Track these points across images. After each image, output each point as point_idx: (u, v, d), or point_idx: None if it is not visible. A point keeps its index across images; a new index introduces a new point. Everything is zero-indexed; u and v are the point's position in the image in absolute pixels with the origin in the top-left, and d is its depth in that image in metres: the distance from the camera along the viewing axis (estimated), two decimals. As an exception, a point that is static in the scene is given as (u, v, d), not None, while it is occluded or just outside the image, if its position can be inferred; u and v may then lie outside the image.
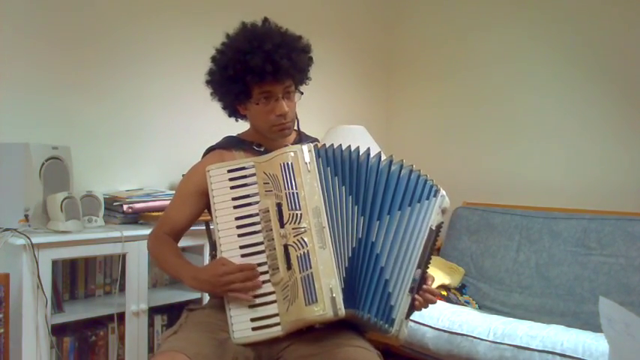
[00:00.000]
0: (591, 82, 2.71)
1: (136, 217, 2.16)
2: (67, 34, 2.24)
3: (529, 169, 2.93)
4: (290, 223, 1.23)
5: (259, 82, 1.34)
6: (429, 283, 1.34)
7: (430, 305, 1.33)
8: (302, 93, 1.46)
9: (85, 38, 2.29)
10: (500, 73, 3.05)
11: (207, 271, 1.29)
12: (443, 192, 1.35)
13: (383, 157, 1.34)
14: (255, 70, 1.32)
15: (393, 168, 1.32)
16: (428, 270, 1.33)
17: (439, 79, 3.35)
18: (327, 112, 3.19)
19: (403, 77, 3.57)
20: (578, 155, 2.75)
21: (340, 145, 1.32)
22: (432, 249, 1.32)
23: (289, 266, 1.21)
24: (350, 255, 1.24)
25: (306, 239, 1.21)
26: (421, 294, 1.30)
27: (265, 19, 1.42)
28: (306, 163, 1.27)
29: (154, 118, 2.50)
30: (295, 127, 1.50)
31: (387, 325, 1.24)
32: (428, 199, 1.31)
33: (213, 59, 1.42)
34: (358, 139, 2.79)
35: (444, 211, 1.35)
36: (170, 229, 1.47)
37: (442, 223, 1.35)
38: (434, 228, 1.31)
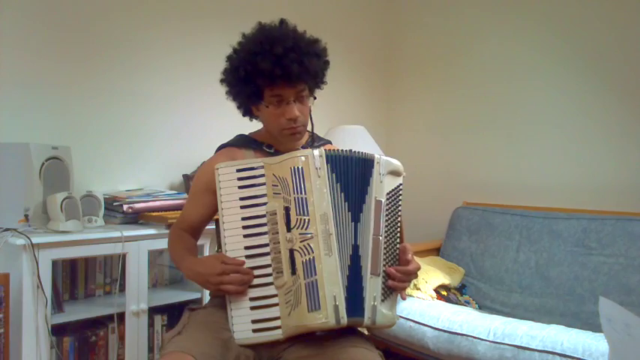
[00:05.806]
0: (591, 83, 2.71)
1: (136, 217, 2.16)
2: (67, 35, 2.23)
3: (529, 169, 2.93)
4: (297, 228, 1.22)
5: (270, 85, 1.33)
6: (409, 256, 1.30)
7: (410, 280, 1.31)
8: (315, 97, 1.45)
9: (85, 39, 2.28)
10: (500, 73, 3.05)
11: (204, 265, 1.29)
12: (377, 158, 1.32)
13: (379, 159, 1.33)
14: (265, 74, 1.31)
15: (368, 166, 1.31)
16: (396, 242, 1.30)
17: (439, 79, 3.35)
18: (327, 112, 3.19)
19: (403, 77, 3.56)
20: (578, 155, 2.75)
21: (341, 149, 1.31)
22: (394, 220, 1.30)
23: (294, 271, 1.21)
24: (350, 263, 1.24)
25: (312, 245, 1.20)
26: (390, 272, 1.27)
27: (282, 21, 1.39)
28: (316, 169, 1.25)
29: (154, 118, 2.50)
30: (309, 129, 1.48)
31: (357, 317, 1.22)
32: (371, 175, 1.31)
33: (228, 58, 1.41)
34: (358, 139, 2.79)
35: (393, 173, 1.33)
36: (187, 226, 1.49)
37: (398, 186, 1.33)
38: (380, 199, 1.30)
